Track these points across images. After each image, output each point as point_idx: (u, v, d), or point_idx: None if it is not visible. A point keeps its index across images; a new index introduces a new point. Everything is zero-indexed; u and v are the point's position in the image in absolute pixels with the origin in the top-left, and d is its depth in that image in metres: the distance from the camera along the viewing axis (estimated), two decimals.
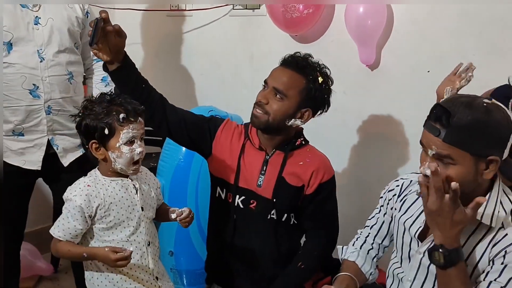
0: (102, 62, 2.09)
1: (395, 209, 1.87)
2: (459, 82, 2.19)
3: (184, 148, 2.77)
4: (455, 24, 2.63)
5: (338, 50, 2.99)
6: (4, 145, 2.36)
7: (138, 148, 1.84)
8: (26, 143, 2.40)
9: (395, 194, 1.90)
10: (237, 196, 2.24)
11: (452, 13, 2.62)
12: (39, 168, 2.44)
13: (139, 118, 1.85)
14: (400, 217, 1.82)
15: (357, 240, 2.03)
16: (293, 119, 2.15)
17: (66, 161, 2.49)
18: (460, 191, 1.53)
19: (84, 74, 2.67)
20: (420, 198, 1.72)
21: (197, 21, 3.59)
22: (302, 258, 2.22)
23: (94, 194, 1.83)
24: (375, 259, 1.99)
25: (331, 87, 2.21)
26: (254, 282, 2.28)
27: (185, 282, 2.93)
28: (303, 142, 2.27)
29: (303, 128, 2.29)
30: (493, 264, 1.56)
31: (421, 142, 1.61)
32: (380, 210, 1.98)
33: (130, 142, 1.82)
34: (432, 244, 1.58)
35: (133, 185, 1.92)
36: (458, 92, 2.17)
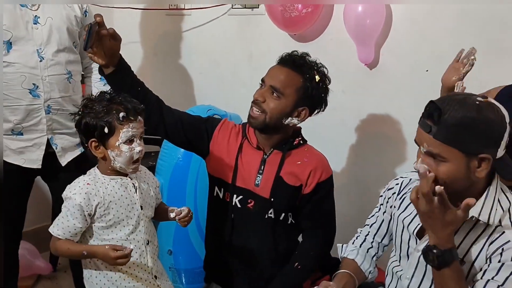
0: None
1: (395, 207, 1.88)
2: (463, 68, 2.19)
3: None
4: (454, 23, 2.63)
5: (336, 49, 2.99)
6: (3, 144, 2.36)
7: (138, 147, 1.84)
8: (26, 142, 2.40)
9: (394, 193, 1.91)
10: (235, 196, 2.24)
11: (451, 12, 2.63)
12: (39, 167, 2.44)
13: (139, 117, 1.85)
14: (399, 215, 1.83)
15: (357, 238, 2.03)
16: (290, 118, 2.15)
17: (64, 160, 2.50)
18: (453, 188, 1.55)
19: (83, 73, 2.67)
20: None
21: (196, 20, 3.58)
22: (299, 258, 2.22)
23: (94, 192, 1.83)
24: (374, 258, 1.99)
25: (329, 86, 2.21)
26: (252, 281, 2.28)
27: (184, 281, 2.93)
28: (301, 142, 2.27)
29: (301, 128, 2.29)
30: (490, 262, 1.57)
31: (415, 140, 1.63)
32: (379, 209, 1.99)
33: (129, 141, 1.83)
34: (427, 245, 1.58)
35: (133, 184, 1.93)
36: (465, 78, 2.19)
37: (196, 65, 3.70)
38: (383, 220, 1.97)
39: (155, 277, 1.98)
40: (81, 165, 2.22)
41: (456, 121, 1.50)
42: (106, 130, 1.80)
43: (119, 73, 2.09)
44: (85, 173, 1.93)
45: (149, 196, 1.99)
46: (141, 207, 1.93)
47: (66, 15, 2.44)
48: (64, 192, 1.85)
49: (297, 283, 2.19)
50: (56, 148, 2.46)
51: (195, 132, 2.27)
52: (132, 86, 2.12)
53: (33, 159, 2.43)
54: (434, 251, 1.54)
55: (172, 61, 3.77)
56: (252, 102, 2.17)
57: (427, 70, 2.72)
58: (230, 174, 2.24)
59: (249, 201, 2.22)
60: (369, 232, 2.01)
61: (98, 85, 2.64)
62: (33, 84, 2.35)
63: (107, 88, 2.47)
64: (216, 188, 2.30)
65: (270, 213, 2.21)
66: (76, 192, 1.82)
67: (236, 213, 2.24)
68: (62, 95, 2.43)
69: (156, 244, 2.02)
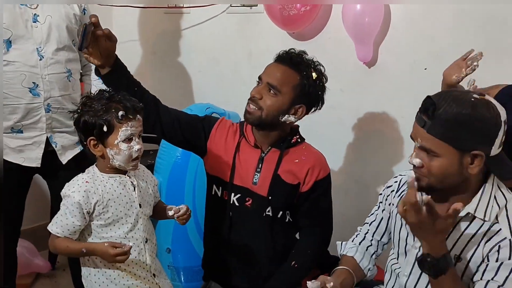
0: None
1: (393, 204, 1.89)
2: (465, 70, 2.19)
3: None
4: (452, 21, 2.63)
5: (335, 48, 2.99)
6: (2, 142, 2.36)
7: (136, 146, 1.84)
8: (25, 140, 2.40)
9: (393, 190, 1.92)
10: (233, 194, 2.25)
11: (449, 10, 2.63)
12: (39, 165, 2.44)
13: (138, 115, 1.85)
14: (397, 212, 1.83)
15: (356, 236, 2.04)
16: (286, 115, 2.16)
17: (64, 158, 2.49)
18: (446, 184, 1.58)
19: (81, 71, 2.67)
20: (417, 194, 1.74)
21: (195, 18, 3.58)
22: (296, 257, 2.22)
23: (93, 190, 1.83)
24: (373, 256, 2.00)
25: (326, 85, 2.22)
26: (250, 279, 2.28)
27: (182, 279, 2.93)
28: (299, 140, 2.27)
29: (298, 126, 2.30)
30: (488, 261, 1.57)
31: (411, 135, 1.65)
32: (379, 207, 2.00)
33: (128, 140, 1.83)
34: (421, 254, 1.59)
35: (131, 182, 1.93)
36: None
37: (195, 63, 3.70)
38: (382, 218, 1.98)
39: (154, 275, 1.99)
40: (80, 163, 2.22)
41: (449, 116, 1.52)
42: (105, 128, 1.80)
43: (115, 73, 2.09)
44: (84, 171, 1.93)
45: (148, 194, 1.99)
46: (140, 205, 1.93)
47: (65, 13, 2.44)
48: (63, 190, 1.85)
49: (294, 282, 2.19)
50: (56, 147, 2.46)
51: (192, 131, 2.27)
52: (129, 86, 2.12)
53: (32, 158, 2.43)
54: (429, 259, 1.54)
55: (171, 59, 3.77)
56: (249, 99, 2.17)
57: (425, 69, 2.72)
58: (228, 173, 2.24)
59: (247, 199, 2.23)
60: (368, 230, 2.02)
61: (97, 83, 2.64)
62: (33, 82, 2.34)
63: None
64: (214, 187, 2.30)
65: (268, 211, 2.21)
66: (75, 190, 1.82)
67: (234, 212, 2.25)
68: (62, 94, 2.43)
69: (154, 242, 2.02)
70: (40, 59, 2.35)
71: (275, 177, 2.19)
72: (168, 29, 3.74)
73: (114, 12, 3.61)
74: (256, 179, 2.22)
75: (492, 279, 1.54)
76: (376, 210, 2.02)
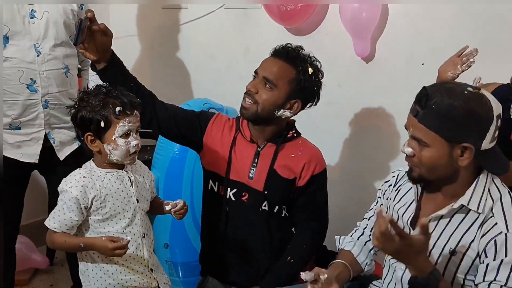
0: None
1: (390, 198, 1.90)
2: (460, 67, 2.20)
3: None
4: (450, 17, 2.64)
5: (333, 43, 3.00)
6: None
7: (134, 141, 1.84)
8: (23, 136, 2.40)
9: (391, 185, 1.93)
10: (229, 189, 2.25)
11: (447, 6, 2.63)
12: (36, 161, 2.44)
13: (135, 111, 1.85)
14: (394, 205, 1.85)
15: (355, 231, 2.05)
16: (282, 110, 2.16)
17: (62, 154, 2.49)
18: (437, 175, 1.61)
19: (79, 66, 2.66)
20: (413, 187, 1.78)
21: (192, 14, 3.58)
22: (292, 252, 2.23)
23: (90, 185, 1.83)
24: (372, 251, 2.00)
25: (322, 80, 2.22)
26: (247, 274, 2.29)
27: (180, 274, 2.94)
28: (295, 135, 2.27)
29: (295, 121, 2.30)
30: (485, 256, 1.57)
31: (405, 125, 1.66)
32: (377, 202, 2.01)
33: (125, 135, 1.83)
34: (410, 277, 1.59)
35: (128, 177, 1.93)
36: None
37: (193, 58, 3.69)
38: None
39: (151, 270, 1.99)
40: (78, 159, 2.23)
41: (440, 108, 1.54)
42: (102, 124, 1.80)
43: (111, 68, 2.09)
44: (82, 167, 1.93)
45: (145, 190, 1.99)
46: (137, 200, 1.93)
47: (62, 9, 2.43)
48: (60, 185, 1.85)
49: (290, 276, 2.19)
50: (54, 143, 2.46)
51: (188, 126, 2.27)
52: (125, 82, 2.11)
53: (30, 154, 2.43)
54: (418, 281, 1.55)
55: (168, 54, 3.76)
56: (244, 93, 2.18)
57: (423, 64, 2.73)
58: (224, 168, 2.24)
59: (243, 194, 2.23)
60: (367, 225, 2.02)
61: (95, 78, 2.62)
62: (31, 79, 2.34)
63: None
64: (211, 182, 2.30)
65: (264, 206, 2.22)
66: (72, 185, 1.82)
67: (231, 206, 2.25)
68: (60, 90, 2.43)
69: (152, 237, 2.03)
70: (38, 55, 2.34)
71: (271, 171, 2.20)
72: (165, 25, 3.73)
73: (111, 7, 3.61)
74: (252, 173, 2.22)
75: (494, 279, 1.54)
76: (374, 205, 2.03)
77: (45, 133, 2.43)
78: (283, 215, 2.27)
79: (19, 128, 2.39)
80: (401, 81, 2.82)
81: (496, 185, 1.64)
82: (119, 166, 1.91)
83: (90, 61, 2.11)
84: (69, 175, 1.88)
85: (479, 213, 1.60)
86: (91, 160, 1.93)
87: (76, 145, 2.52)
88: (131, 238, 1.89)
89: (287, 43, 2.23)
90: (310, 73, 2.16)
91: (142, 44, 3.87)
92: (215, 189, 2.29)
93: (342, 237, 2.05)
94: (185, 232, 2.90)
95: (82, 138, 1.86)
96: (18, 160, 2.41)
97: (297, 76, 2.15)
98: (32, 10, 2.33)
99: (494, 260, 1.55)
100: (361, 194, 3.00)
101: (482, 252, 1.58)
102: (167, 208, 2.00)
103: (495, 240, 1.55)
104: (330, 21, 2.99)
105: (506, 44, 2.51)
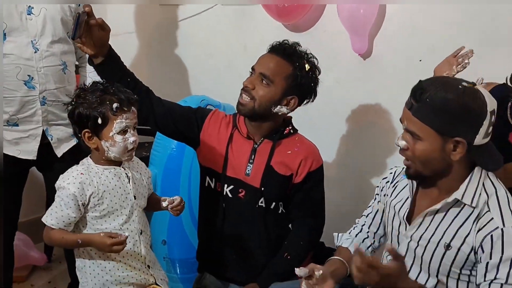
0: None
1: (388, 195, 1.91)
2: (455, 68, 2.20)
3: None
4: (447, 14, 2.63)
5: (330, 39, 2.99)
6: None
7: (131, 138, 1.84)
8: (21, 133, 2.40)
9: (388, 181, 1.94)
10: (226, 185, 2.25)
11: (444, 3, 2.62)
12: (34, 158, 2.44)
13: (132, 107, 1.85)
14: (391, 201, 1.86)
15: (353, 229, 2.05)
16: (279, 106, 2.16)
17: (59, 151, 2.50)
18: (431, 169, 1.62)
19: (77, 63, 2.66)
20: (409, 183, 1.79)
21: (190, 10, 3.57)
22: (289, 248, 2.23)
23: (88, 182, 1.84)
24: (370, 248, 2.01)
25: (320, 76, 2.22)
26: (244, 270, 2.29)
27: (178, 271, 2.94)
28: (292, 131, 2.27)
29: (291, 117, 2.30)
30: (482, 251, 1.58)
31: (400, 118, 1.67)
32: (375, 199, 2.02)
33: (123, 132, 1.83)
34: None
35: (126, 173, 1.93)
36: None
37: (190, 55, 3.68)
38: (377, 210, 2.00)
39: (148, 266, 2.00)
40: (76, 156, 2.22)
41: (434, 101, 1.55)
42: (99, 121, 1.80)
43: (108, 63, 2.09)
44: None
45: (142, 186, 2.00)
46: (135, 197, 1.94)
47: (60, 5, 2.43)
48: (57, 182, 1.85)
49: (287, 273, 2.19)
50: (52, 139, 2.46)
51: (185, 122, 2.27)
52: (122, 77, 2.12)
53: (28, 150, 2.43)
54: None
55: (166, 51, 3.75)
56: (241, 89, 2.18)
57: (420, 60, 2.73)
58: (221, 164, 2.24)
59: (240, 190, 2.23)
60: (365, 222, 2.03)
61: (93, 75, 2.62)
62: (28, 75, 2.34)
63: None
64: (207, 178, 2.30)
65: (261, 202, 2.22)
66: (70, 181, 1.82)
67: (227, 203, 2.25)
68: (58, 86, 2.43)
69: (149, 233, 2.03)
70: (35, 52, 2.34)
71: (267, 168, 2.20)
72: (163, 21, 3.73)
73: (109, 4, 3.60)
74: (248, 170, 2.22)
75: (494, 278, 1.55)
76: (372, 203, 2.03)
77: (43, 129, 2.43)
78: (280, 211, 2.27)
79: (17, 125, 2.39)
80: (399, 77, 2.82)
81: (491, 180, 1.65)
82: (117, 162, 1.91)
83: (88, 56, 2.10)
84: (67, 171, 1.88)
85: (474, 207, 1.61)
86: (89, 156, 1.93)
87: (73, 142, 2.52)
88: (129, 235, 1.89)
89: (284, 40, 2.23)
90: (307, 69, 2.16)
91: (139, 41, 3.86)
92: (212, 185, 2.29)
93: (340, 234, 2.06)
94: (182, 229, 2.90)
95: (80, 135, 1.86)
96: (16, 157, 2.41)
97: (294, 72, 2.15)
98: (30, 6, 2.33)
99: (490, 255, 1.56)
100: (359, 190, 3.01)
101: (478, 247, 1.58)
102: (164, 204, 2.01)
103: (491, 235, 1.56)
104: (328, 18, 2.99)
105: (503, 41, 2.50)
